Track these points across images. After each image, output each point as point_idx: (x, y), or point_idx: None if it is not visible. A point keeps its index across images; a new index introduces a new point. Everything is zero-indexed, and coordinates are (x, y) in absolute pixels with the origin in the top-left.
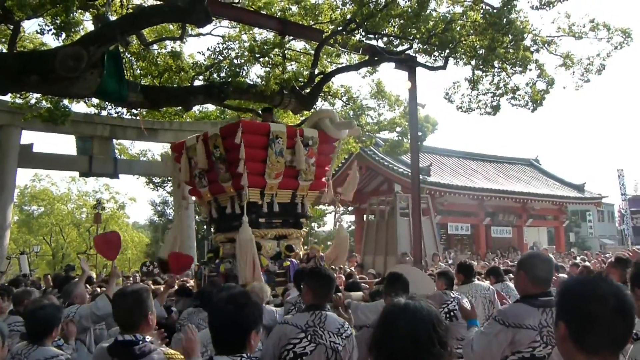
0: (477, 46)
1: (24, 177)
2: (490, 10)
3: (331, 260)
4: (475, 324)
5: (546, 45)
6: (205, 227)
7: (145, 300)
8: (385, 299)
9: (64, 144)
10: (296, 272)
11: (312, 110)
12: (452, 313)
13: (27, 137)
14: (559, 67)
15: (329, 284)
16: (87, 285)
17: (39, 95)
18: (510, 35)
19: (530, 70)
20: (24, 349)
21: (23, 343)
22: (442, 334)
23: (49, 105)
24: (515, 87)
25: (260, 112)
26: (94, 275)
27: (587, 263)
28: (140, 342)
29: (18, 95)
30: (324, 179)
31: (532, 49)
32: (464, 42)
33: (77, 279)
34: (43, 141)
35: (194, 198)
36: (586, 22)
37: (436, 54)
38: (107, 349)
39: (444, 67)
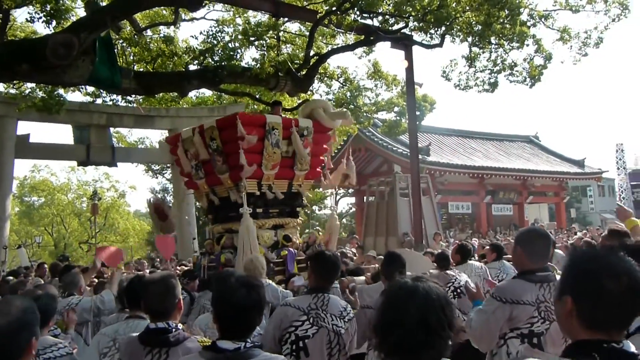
0: (473, 22)
1: (23, 168)
2: None
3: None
4: (480, 305)
5: (543, 19)
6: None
7: (175, 286)
8: (382, 280)
9: (62, 134)
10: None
11: (309, 92)
12: (458, 290)
13: (24, 127)
14: (556, 41)
15: (333, 268)
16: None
17: (33, 85)
18: (506, 10)
19: (527, 45)
20: None
21: None
22: (450, 316)
23: (43, 95)
24: (512, 63)
25: (270, 104)
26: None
27: (587, 238)
28: (173, 329)
29: (12, 85)
30: (319, 169)
31: (528, 23)
32: (459, 18)
33: (76, 268)
34: (40, 132)
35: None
36: None
37: (432, 31)
38: (137, 338)
39: (440, 44)
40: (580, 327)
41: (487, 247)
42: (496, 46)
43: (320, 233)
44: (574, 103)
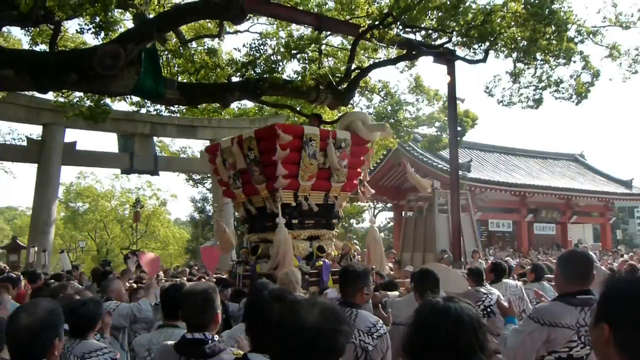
0: (518, 38)
1: (69, 174)
2: (532, 0)
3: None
4: (513, 322)
5: (591, 35)
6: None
7: (215, 299)
8: (415, 296)
9: (107, 142)
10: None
11: (350, 106)
12: (489, 309)
13: (71, 135)
14: (604, 58)
15: (355, 280)
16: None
17: (81, 94)
18: (552, 26)
19: (574, 62)
20: (66, 343)
21: (65, 337)
22: (482, 339)
23: (90, 104)
24: (558, 80)
25: (310, 115)
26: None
27: (632, 261)
28: (210, 341)
29: (61, 94)
30: (355, 181)
31: (576, 40)
32: (504, 33)
33: (112, 274)
34: (86, 139)
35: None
36: (634, 12)
37: (476, 46)
38: (173, 346)
39: (484, 60)
40: (617, 357)
41: (528, 267)
42: (542, 62)
43: (357, 246)
44: (623, 121)
